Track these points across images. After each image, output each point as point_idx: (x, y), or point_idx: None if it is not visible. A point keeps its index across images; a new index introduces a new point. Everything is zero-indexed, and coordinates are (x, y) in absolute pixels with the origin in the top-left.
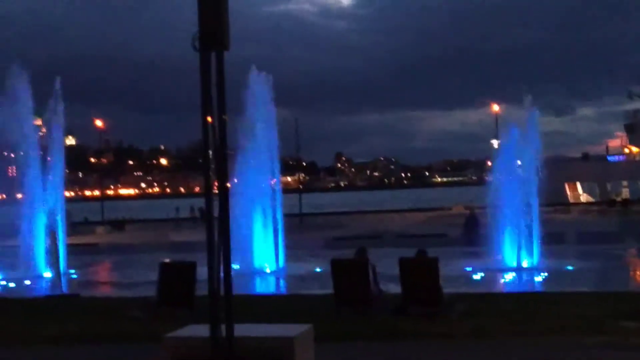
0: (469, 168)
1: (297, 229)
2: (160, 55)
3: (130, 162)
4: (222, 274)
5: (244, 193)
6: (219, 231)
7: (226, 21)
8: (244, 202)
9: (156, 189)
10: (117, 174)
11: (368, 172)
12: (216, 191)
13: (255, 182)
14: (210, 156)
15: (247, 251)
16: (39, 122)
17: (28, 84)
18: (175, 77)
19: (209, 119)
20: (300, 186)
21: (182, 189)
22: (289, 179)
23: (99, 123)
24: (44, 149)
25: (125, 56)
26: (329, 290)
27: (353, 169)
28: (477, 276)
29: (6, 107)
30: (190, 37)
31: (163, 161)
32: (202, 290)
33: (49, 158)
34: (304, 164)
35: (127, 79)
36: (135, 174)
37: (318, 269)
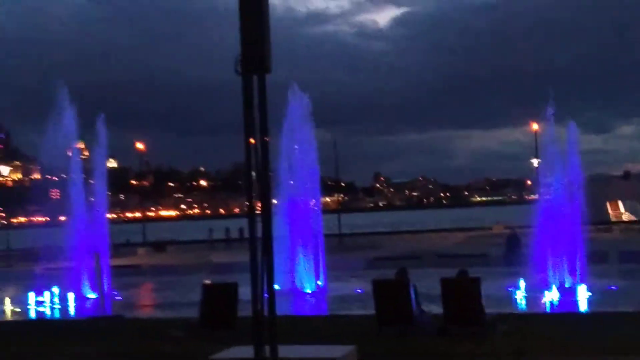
0: (509, 187)
1: (336, 250)
2: (200, 78)
3: (171, 184)
4: (265, 295)
5: (284, 214)
6: (262, 252)
7: (268, 45)
8: (285, 223)
9: (196, 211)
10: (157, 195)
11: (407, 191)
12: (257, 212)
13: (295, 202)
14: (253, 177)
15: (288, 272)
16: (82, 145)
17: (72, 108)
18: (216, 100)
19: (252, 140)
20: (339, 206)
21: (221, 210)
22: (328, 199)
23: (140, 146)
24: (87, 172)
25: (166, 79)
26: (371, 311)
27: (391, 189)
28: (519, 296)
29: (51, 131)
30: (233, 61)
31: (203, 183)
32: (244, 311)
33: (91, 181)
34: (343, 184)
35: (167, 102)
36: (175, 195)
37: (359, 290)
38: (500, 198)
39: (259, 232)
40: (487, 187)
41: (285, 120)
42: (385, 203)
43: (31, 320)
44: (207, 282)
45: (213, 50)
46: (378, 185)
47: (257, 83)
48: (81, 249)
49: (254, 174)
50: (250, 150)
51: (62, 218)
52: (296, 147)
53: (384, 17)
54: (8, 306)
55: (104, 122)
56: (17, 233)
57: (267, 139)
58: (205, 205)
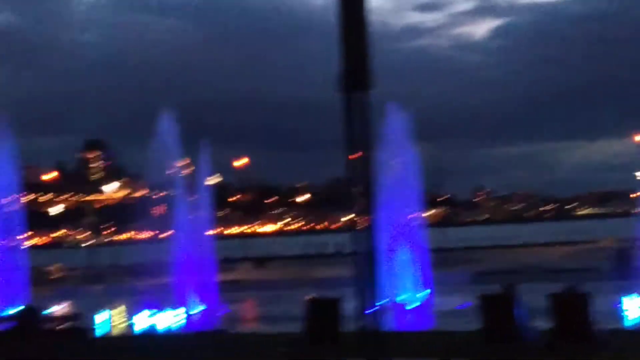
0: (613, 200)
1: (438, 264)
2: (301, 95)
3: (271, 200)
4: (370, 310)
5: (386, 228)
6: (367, 267)
7: (369, 62)
8: (387, 237)
9: (296, 226)
10: (257, 211)
11: (508, 205)
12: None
13: (397, 216)
14: (354, 192)
15: (391, 286)
16: (185, 162)
17: (175, 126)
18: (316, 116)
19: (353, 156)
20: (441, 220)
21: (322, 225)
22: (429, 213)
23: (241, 162)
24: (191, 189)
25: (267, 97)
26: (476, 326)
27: (492, 202)
28: (630, 311)
29: (156, 149)
30: (333, 77)
31: (302, 198)
32: (348, 326)
33: (195, 197)
34: (443, 197)
35: (269, 119)
36: (275, 210)
37: (463, 304)
38: (605, 211)
39: (348, 247)
40: (591, 200)
41: (385, 134)
42: (486, 217)
43: (138, 335)
44: (311, 297)
45: (313, 67)
46: (478, 198)
47: (360, 100)
48: (187, 264)
49: (355, 188)
50: (350, 168)
51: (167, 234)
52: (396, 161)
53: (480, 29)
54: (117, 321)
55: (207, 140)
56: (125, 249)
57: (370, 155)
58: (306, 220)
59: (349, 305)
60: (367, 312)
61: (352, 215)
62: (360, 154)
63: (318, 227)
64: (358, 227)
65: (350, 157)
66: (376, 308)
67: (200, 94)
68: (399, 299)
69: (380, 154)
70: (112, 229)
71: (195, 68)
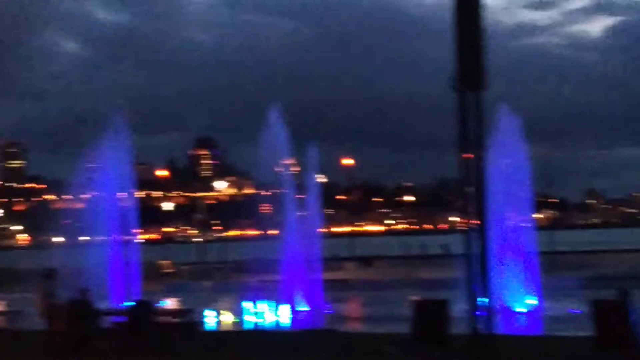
0: None
1: (549, 268)
2: (409, 94)
3: (377, 199)
4: (479, 313)
5: (495, 230)
6: (477, 269)
7: (484, 62)
8: (496, 240)
9: (402, 226)
10: (363, 210)
11: (622, 208)
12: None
13: (506, 219)
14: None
15: (499, 289)
16: (293, 161)
17: (283, 125)
18: (424, 115)
19: (466, 156)
20: (551, 223)
21: (428, 226)
22: (539, 215)
23: (347, 161)
24: (298, 187)
25: (375, 96)
26: (588, 333)
27: (606, 206)
28: None
29: (264, 148)
30: (447, 77)
31: (409, 198)
32: (455, 327)
33: (302, 196)
34: (554, 200)
35: (376, 117)
36: (381, 210)
37: (574, 310)
38: None
39: (453, 249)
40: None
41: (496, 134)
42: (599, 220)
43: (246, 331)
44: (418, 298)
45: (424, 66)
46: (591, 201)
47: (473, 100)
48: (294, 262)
49: (467, 189)
50: (464, 166)
51: (274, 231)
52: (507, 162)
53: (595, 27)
54: (225, 316)
55: (314, 139)
56: (232, 246)
57: (483, 155)
58: (411, 220)
59: (456, 307)
60: (476, 314)
61: (461, 216)
62: (472, 154)
63: (423, 227)
64: (467, 229)
65: (463, 156)
66: (485, 311)
67: (310, 92)
68: (508, 302)
69: (491, 154)
70: (221, 226)
71: (306, 67)
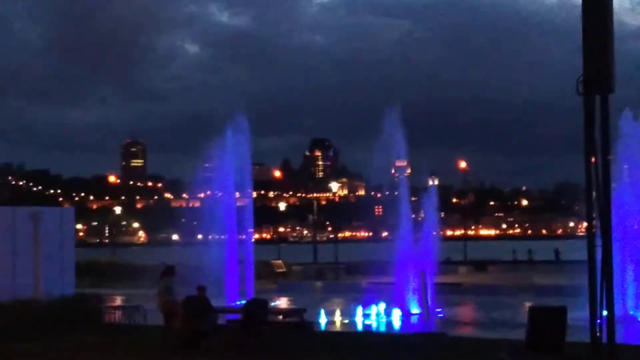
0: None
1: None
2: (528, 96)
3: (491, 203)
4: (600, 321)
5: (615, 235)
6: (599, 276)
7: (612, 65)
8: (619, 246)
9: (517, 230)
10: (478, 214)
11: None
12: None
13: (630, 225)
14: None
15: (623, 297)
16: (405, 163)
17: (398, 127)
18: (542, 118)
19: (590, 160)
20: None
21: (543, 231)
22: None
23: (461, 164)
24: (410, 190)
25: (492, 98)
26: None
27: None
28: None
29: (377, 149)
30: (563, 79)
31: (524, 202)
32: (571, 335)
33: (414, 198)
34: None
35: (492, 120)
36: (496, 214)
37: None
38: None
39: (569, 255)
40: None
41: (619, 139)
42: None
43: (358, 333)
44: (534, 305)
45: (541, 67)
46: None
47: (600, 103)
48: (407, 266)
49: (591, 194)
50: (589, 171)
51: (385, 234)
52: (629, 167)
53: None
54: (336, 317)
55: (429, 141)
56: (344, 247)
57: (610, 159)
58: (527, 225)
59: (574, 315)
60: (597, 323)
61: (581, 221)
62: (597, 159)
63: (539, 232)
64: (589, 234)
65: (588, 161)
66: (607, 319)
67: (424, 95)
68: (632, 311)
69: (614, 159)
70: (333, 226)
71: (420, 68)
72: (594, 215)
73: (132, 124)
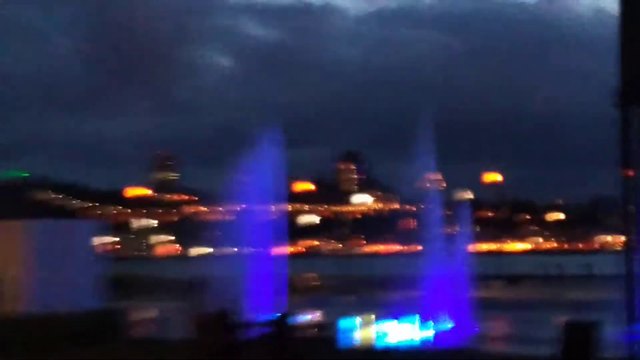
0: None
1: None
2: (560, 109)
3: (526, 217)
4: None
5: None
6: (637, 291)
7: None
8: None
9: (553, 245)
10: (511, 228)
11: None
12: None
13: None
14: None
15: None
16: (437, 176)
17: (430, 140)
18: (577, 131)
19: (628, 173)
20: None
21: (579, 245)
22: None
23: (496, 177)
24: (444, 204)
25: (523, 110)
26: None
27: None
28: None
29: (410, 162)
30: (601, 91)
31: (559, 216)
32: (606, 351)
33: (448, 212)
34: None
35: (525, 132)
36: (530, 228)
37: None
38: None
39: (604, 269)
40: None
41: None
42: None
43: (389, 348)
44: (567, 319)
45: (576, 79)
46: None
47: (637, 115)
48: (440, 280)
49: (629, 207)
50: (625, 184)
51: (419, 247)
52: None
53: None
54: (366, 332)
55: (463, 155)
56: (375, 260)
57: None
58: (562, 239)
59: (608, 330)
60: (633, 338)
61: (618, 235)
62: (634, 172)
63: (576, 246)
64: (627, 249)
65: (625, 174)
66: None
67: (458, 108)
68: None
69: None
70: (364, 240)
71: (455, 82)
72: (631, 228)
73: (167, 137)
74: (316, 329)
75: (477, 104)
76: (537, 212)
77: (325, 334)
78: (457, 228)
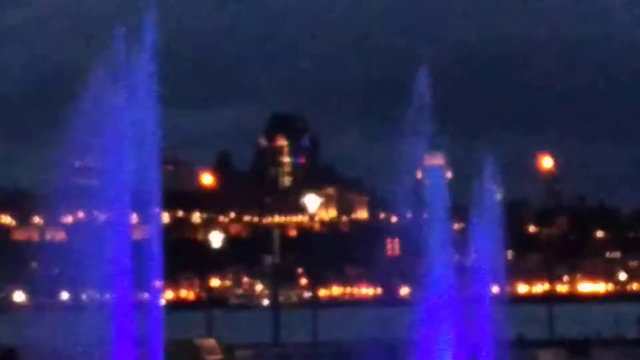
0: None
1: None
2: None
3: (599, 234)
4: None
5: None
6: None
7: None
8: None
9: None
10: (574, 254)
11: None
12: None
13: None
14: None
15: None
16: (439, 160)
17: (428, 97)
18: None
19: None
20: None
21: None
22: None
23: (545, 163)
24: (454, 209)
25: (579, 55)
26: None
27: None
28: None
29: (392, 136)
30: None
31: None
32: None
33: (459, 225)
34: None
35: (586, 90)
36: (607, 255)
37: None
38: None
39: None
40: None
41: None
42: None
43: None
44: None
45: None
46: None
47: None
48: (446, 348)
49: None
50: None
51: (405, 291)
52: None
53: None
54: None
55: (483, 125)
56: (327, 314)
57: None
58: None
59: None
60: None
61: None
62: None
63: None
64: None
65: None
66: None
67: (467, 49)
68: None
69: None
70: (308, 277)
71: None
72: None
73: None
74: None
75: (499, 43)
76: (620, 226)
77: None
78: (476, 254)
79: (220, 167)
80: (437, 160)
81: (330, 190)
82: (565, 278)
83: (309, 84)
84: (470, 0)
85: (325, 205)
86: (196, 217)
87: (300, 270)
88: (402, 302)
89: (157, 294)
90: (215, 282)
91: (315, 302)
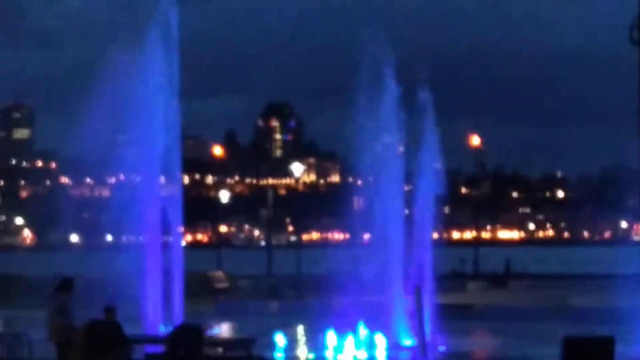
0: None
1: None
2: (559, 49)
3: (514, 195)
4: None
5: None
6: None
7: None
8: None
9: (549, 232)
10: (495, 209)
11: None
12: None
13: None
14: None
15: None
16: (397, 138)
17: (391, 86)
18: (583, 77)
19: None
20: None
21: (585, 234)
22: None
23: (473, 141)
24: (405, 175)
25: (514, 49)
26: None
27: None
28: None
29: (356, 119)
30: (619, 28)
31: (559, 194)
32: None
33: (408, 187)
34: None
35: (515, 80)
36: (520, 210)
37: None
38: None
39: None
40: None
41: None
42: None
43: None
44: (567, 334)
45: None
46: None
47: None
48: (397, 280)
49: None
50: None
51: (367, 236)
52: None
53: None
54: (300, 349)
55: (431, 108)
56: (309, 253)
57: None
58: (562, 225)
59: (624, 349)
60: None
61: (638, 221)
62: None
63: (580, 235)
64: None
65: None
66: None
67: (424, 43)
68: None
69: None
70: (295, 225)
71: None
72: None
73: (15, 79)
74: (229, 347)
75: (449, 40)
76: (530, 189)
77: (243, 354)
78: (421, 209)
79: (228, 142)
80: (393, 137)
81: (312, 160)
82: (488, 227)
83: (297, 78)
84: None
85: (307, 171)
86: (209, 179)
87: (288, 220)
88: (365, 245)
89: (178, 237)
90: (223, 229)
91: (299, 244)
